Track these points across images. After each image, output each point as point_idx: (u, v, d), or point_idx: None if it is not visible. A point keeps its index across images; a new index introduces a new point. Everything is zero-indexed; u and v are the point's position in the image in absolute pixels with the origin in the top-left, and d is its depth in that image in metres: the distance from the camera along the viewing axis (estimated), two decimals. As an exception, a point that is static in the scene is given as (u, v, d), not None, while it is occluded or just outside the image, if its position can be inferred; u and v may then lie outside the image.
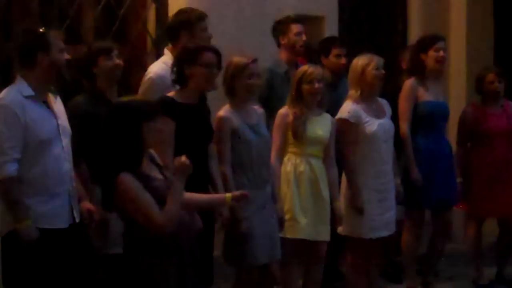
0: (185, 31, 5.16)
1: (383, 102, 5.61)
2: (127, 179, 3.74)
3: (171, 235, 3.88)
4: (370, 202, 5.37)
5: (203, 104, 4.81)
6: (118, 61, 4.85)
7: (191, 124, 4.56)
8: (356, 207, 5.34)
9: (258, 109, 5.06)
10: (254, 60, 4.90)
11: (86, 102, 4.77)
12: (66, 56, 4.37)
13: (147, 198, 3.76)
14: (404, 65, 6.50)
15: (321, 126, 5.30)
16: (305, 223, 5.19)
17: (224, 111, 4.87)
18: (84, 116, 4.68)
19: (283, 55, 6.01)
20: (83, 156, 4.64)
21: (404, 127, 5.83)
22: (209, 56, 4.64)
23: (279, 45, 6.04)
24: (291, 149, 5.22)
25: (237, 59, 4.91)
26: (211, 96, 4.99)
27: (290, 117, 5.19)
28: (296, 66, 5.76)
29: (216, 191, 4.81)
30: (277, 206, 5.04)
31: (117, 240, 4.65)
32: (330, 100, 5.91)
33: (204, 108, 4.81)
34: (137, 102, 3.97)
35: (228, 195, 4.17)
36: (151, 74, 5.03)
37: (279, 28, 6.03)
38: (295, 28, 5.97)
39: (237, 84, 4.85)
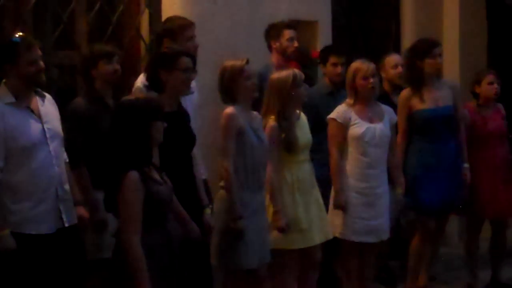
0: (168, 39, 5.18)
1: (387, 109, 5.62)
2: (134, 179, 3.77)
3: (162, 242, 3.90)
4: (353, 204, 5.39)
5: (182, 109, 4.78)
6: (118, 66, 4.88)
7: (173, 131, 4.50)
8: (338, 205, 5.36)
9: (257, 114, 5.06)
10: (247, 61, 4.93)
11: (86, 105, 4.76)
12: (41, 65, 4.33)
13: (137, 209, 3.78)
14: (384, 74, 6.50)
15: (305, 130, 5.33)
16: (311, 231, 5.22)
17: (231, 109, 4.85)
18: (84, 118, 4.69)
19: (274, 59, 6.05)
20: (83, 159, 4.62)
21: (398, 137, 5.87)
22: (185, 61, 4.65)
23: (270, 48, 6.09)
24: (285, 158, 5.19)
25: (232, 62, 4.93)
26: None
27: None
28: None
29: (200, 197, 4.81)
30: (272, 211, 5.03)
31: (111, 244, 4.68)
32: (328, 108, 5.94)
33: (183, 114, 4.79)
34: (145, 101, 3.98)
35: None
36: (138, 83, 5.08)
37: (272, 32, 6.09)
38: (288, 33, 6.04)
39: (236, 87, 4.85)
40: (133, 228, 3.77)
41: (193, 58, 4.75)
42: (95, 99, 4.81)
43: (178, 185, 4.15)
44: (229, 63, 4.94)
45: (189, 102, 5.09)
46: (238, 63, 4.90)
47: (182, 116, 4.75)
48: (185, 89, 4.71)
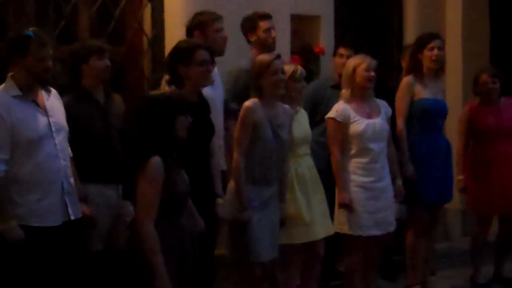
0: (198, 32, 5.20)
1: (381, 103, 5.62)
2: (156, 163, 3.80)
3: (174, 236, 3.91)
4: (358, 199, 5.39)
5: (202, 100, 4.80)
6: (109, 63, 4.86)
7: (193, 122, 4.54)
8: (342, 204, 5.36)
9: (288, 109, 5.05)
10: (278, 56, 4.96)
11: (72, 102, 4.72)
12: (48, 64, 4.31)
13: (155, 194, 3.80)
14: (404, 64, 6.52)
15: (304, 124, 5.33)
16: (314, 225, 5.21)
17: (251, 102, 4.88)
18: (69, 116, 4.63)
19: (254, 53, 5.75)
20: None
21: (400, 123, 5.86)
22: (202, 54, 4.66)
23: (248, 42, 5.90)
24: None
25: (261, 56, 4.98)
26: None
27: None
28: None
29: (215, 189, 4.81)
30: (283, 206, 5.04)
31: (101, 238, 4.68)
32: (330, 100, 5.93)
33: (203, 104, 4.81)
34: (170, 97, 4.02)
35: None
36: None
37: (247, 25, 5.89)
38: (264, 24, 5.83)
39: (263, 81, 4.88)
40: (149, 211, 3.79)
41: (210, 49, 4.75)
42: (82, 95, 4.79)
43: (193, 174, 4.16)
44: (259, 57, 4.98)
45: (214, 96, 5.09)
46: (267, 57, 4.94)
47: (201, 106, 4.76)
48: (204, 82, 4.74)
